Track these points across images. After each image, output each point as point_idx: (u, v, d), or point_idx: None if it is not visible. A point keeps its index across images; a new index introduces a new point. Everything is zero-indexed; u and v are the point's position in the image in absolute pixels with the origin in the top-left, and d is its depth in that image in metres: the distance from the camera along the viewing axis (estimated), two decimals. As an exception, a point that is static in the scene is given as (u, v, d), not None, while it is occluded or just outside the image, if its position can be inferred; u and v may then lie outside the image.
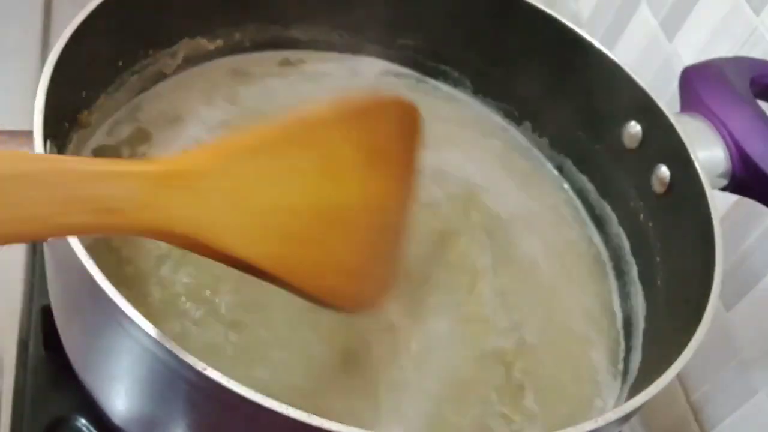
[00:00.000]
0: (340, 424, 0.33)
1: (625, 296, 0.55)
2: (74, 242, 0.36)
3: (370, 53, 0.63)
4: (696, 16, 0.68)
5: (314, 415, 0.33)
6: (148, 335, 0.34)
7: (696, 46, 0.68)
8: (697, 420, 0.65)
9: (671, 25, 0.71)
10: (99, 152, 0.51)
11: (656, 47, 0.73)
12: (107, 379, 0.43)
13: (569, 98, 0.59)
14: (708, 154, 0.51)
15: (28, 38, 0.74)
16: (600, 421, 0.37)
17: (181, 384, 0.36)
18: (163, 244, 0.46)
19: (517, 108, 0.63)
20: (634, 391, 0.47)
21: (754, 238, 0.61)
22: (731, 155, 0.51)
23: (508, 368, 0.48)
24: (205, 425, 0.39)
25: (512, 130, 0.63)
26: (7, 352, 0.52)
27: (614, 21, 0.79)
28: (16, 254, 0.58)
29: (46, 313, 0.52)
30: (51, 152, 0.43)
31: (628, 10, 0.77)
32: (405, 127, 0.45)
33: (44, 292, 0.53)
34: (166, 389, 0.38)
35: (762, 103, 0.53)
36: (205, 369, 0.34)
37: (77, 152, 0.49)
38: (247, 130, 0.37)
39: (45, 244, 0.41)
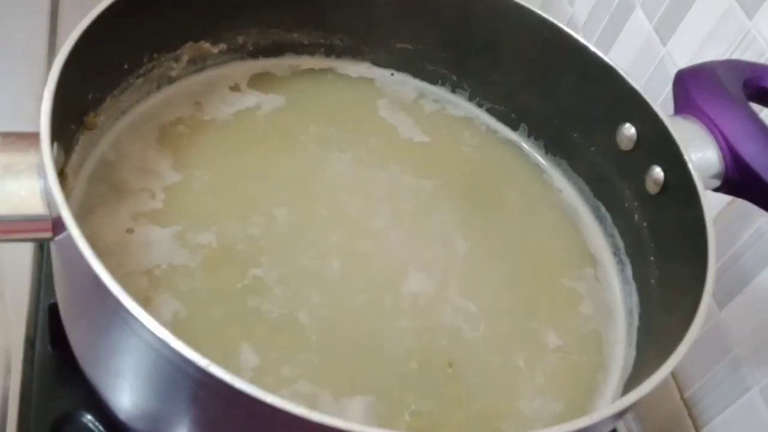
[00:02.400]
0: (340, 419, 0.33)
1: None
2: (80, 241, 0.36)
3: (369, 57, 0.64)
4: (689, 19, 0.69)
5: (315, 411, 0.33)
6: (153, 333, 0.34)
7: (689, 49, 0.68)
8: (690, 416, 0.66)
9: (665, 29, 0.72)
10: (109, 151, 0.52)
11: (650, 50, 0.73)
12: (113, 376, 0.43)
13: (565, 101, 0.59)
14: (701, 155, 0.51)
15: (34, 41, 0.73)
16: (595, 417, 0.38)
17: (185, 381, 0.36)
18: None
19: (513, 111, 0.63)
20: (629, 387, 0.47)
21: (747, 238, 0.61)
22: (724, 157, 0.51)
23: None
24: (209, 421, 0.39)
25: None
26: (15, 349, 0.52)
27: (609, 25, 0.79)
28: (24, 253, 0.57)
29: (53, 311, 0.53)
30: (58, 154, 0.43)
31: (622, 14, 0.77)
32: None
33: (51, 290, 0.53)
34: (171, 386, 0.38)
35: (755, 106, 0.53)
36: (209, 366, 0.34)
37: (85, 153, 0.50)
38: None
39: (52, 243, 0.42)
